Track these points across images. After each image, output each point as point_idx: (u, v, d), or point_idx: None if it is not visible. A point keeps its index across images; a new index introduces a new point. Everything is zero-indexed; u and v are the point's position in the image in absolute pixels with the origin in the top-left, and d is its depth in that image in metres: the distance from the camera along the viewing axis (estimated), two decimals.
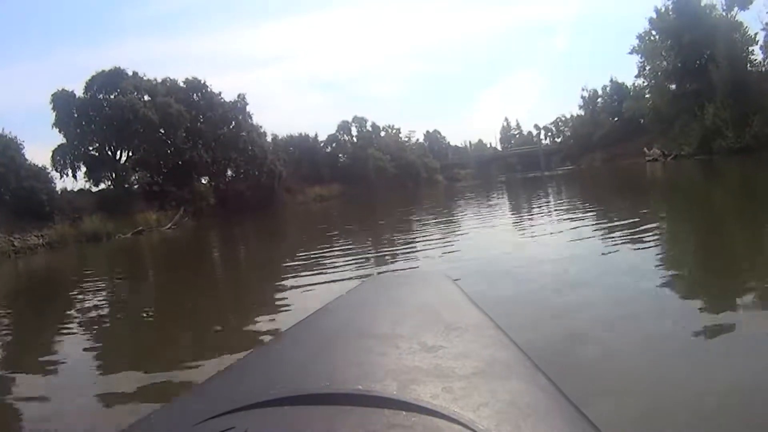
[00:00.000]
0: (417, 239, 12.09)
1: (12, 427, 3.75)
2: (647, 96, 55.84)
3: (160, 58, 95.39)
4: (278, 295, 7.48)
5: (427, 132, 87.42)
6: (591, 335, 4.03)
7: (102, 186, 34.93)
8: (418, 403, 0.74)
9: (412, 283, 1.67)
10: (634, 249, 7.49)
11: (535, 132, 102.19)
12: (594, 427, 0.75)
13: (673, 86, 47.47)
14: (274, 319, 5.88)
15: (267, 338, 4.62)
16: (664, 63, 47.97)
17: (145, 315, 7.73)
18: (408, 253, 9.96)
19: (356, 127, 66.39)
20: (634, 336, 3.91)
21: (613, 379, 3.22)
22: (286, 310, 6.30)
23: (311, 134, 60.56)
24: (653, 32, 49.60)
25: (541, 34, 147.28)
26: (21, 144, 29.40)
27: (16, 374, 5.18)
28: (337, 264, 9.42)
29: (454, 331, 1.03)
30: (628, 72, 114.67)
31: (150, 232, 28.75)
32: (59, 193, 31.51)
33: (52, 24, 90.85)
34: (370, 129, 67.46)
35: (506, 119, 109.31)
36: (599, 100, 71.14)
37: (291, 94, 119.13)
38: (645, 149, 47.98)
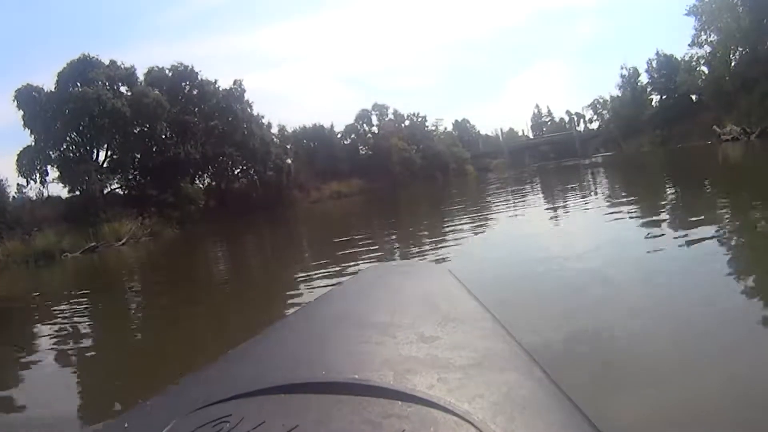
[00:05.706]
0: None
1: None
2: (703, 68, 48.80)
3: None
4: None
5: (456, 121, 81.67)
6: None
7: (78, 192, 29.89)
8: (414, 393, 0.75)
9: (410, 274, 1.59)
10: None
11: (567, 118, 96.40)
12: (588, 421, 0.74)
13: (744, 50, 39.85)
14: None
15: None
16: (730, 22, 39.93)
17: None
18: None
19: (377, 115, 60.46)
20: None
21: None
22: None
23: (327, 125, 54.95)
24: None
25: (566, 20, 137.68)
26: None
27: None
28: None
29: (452, 323, 1.02)
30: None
31: (110, 247, 23.01)
32: (25, 203, 27.36)
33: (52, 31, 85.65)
34: (392, 117, 61.51)
35: (537, 106, 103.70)
36: (642, 77, 64.13)
37: (314, 90, 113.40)
38: (716, 128, 39.49)
